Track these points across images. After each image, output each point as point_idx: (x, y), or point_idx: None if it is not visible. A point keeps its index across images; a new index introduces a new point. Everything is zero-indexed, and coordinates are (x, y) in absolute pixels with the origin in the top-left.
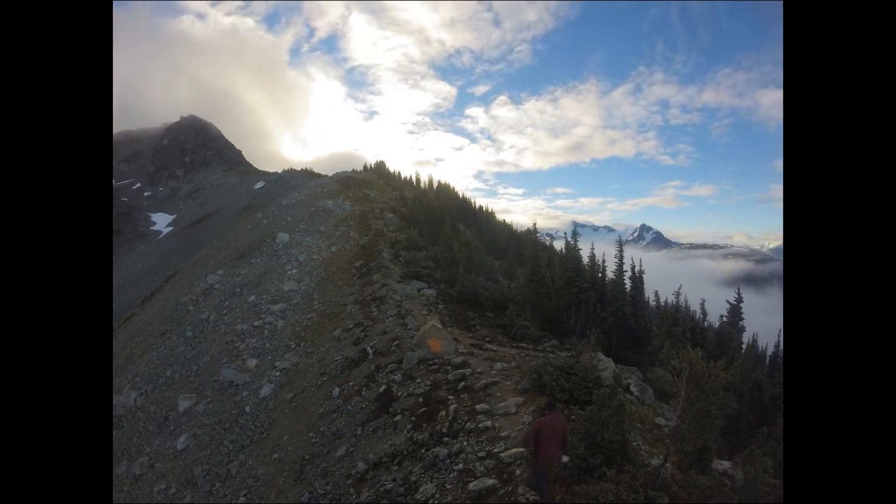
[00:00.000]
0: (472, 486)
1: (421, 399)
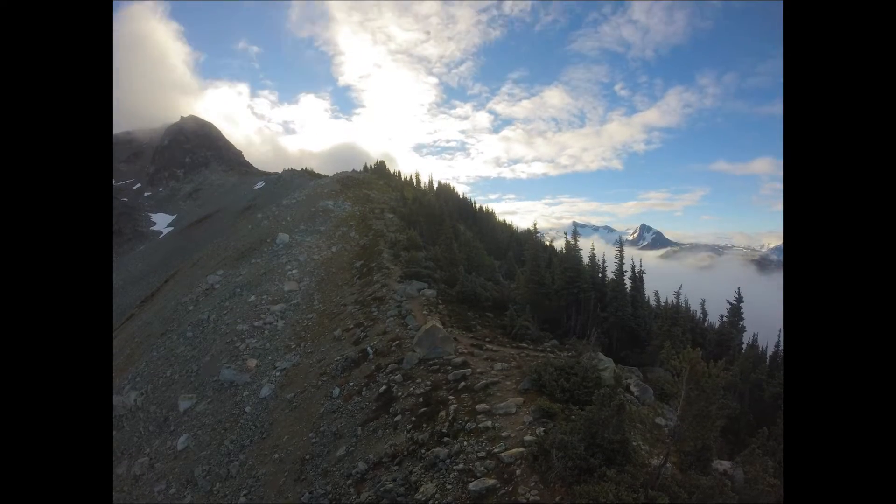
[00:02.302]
0: (472, 486)
1: (421, 399)
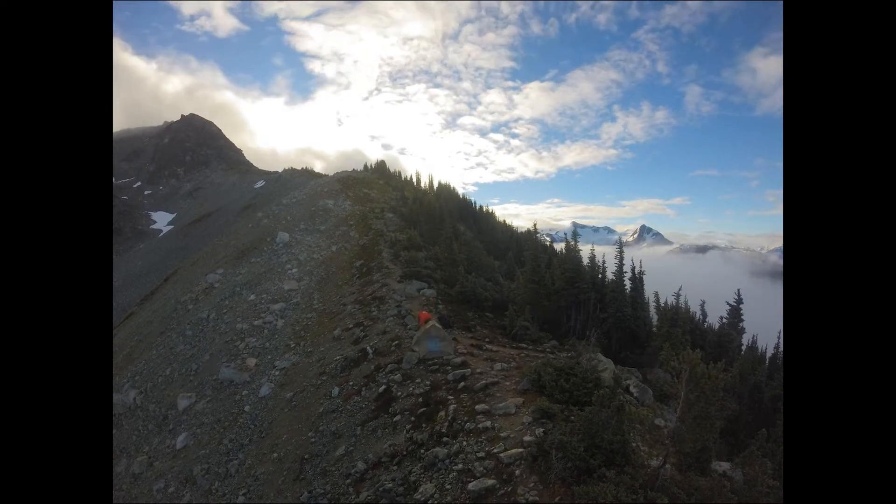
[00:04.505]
0: (471, 486)
1: (420, 399)
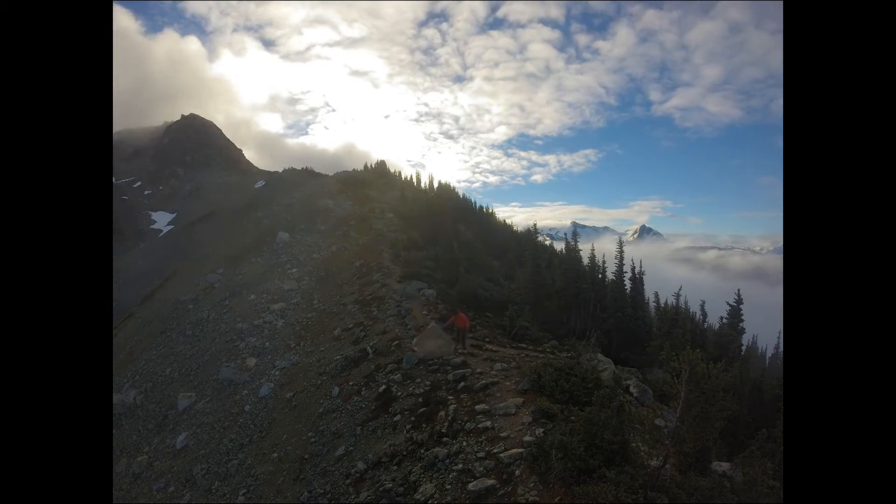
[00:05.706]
0: (471, 486)
1: (420, 399)
